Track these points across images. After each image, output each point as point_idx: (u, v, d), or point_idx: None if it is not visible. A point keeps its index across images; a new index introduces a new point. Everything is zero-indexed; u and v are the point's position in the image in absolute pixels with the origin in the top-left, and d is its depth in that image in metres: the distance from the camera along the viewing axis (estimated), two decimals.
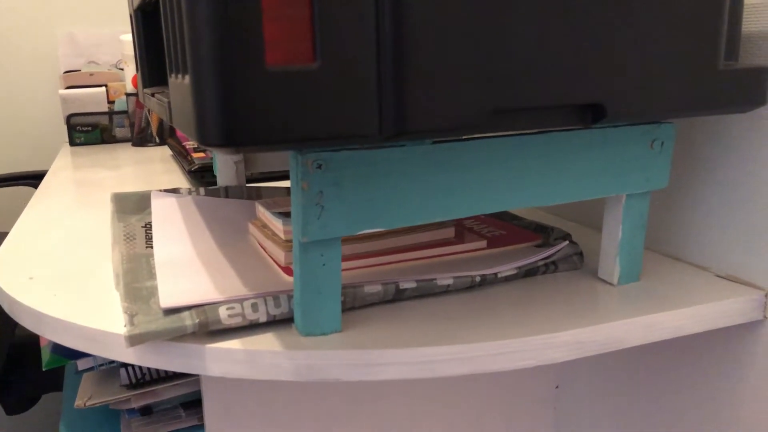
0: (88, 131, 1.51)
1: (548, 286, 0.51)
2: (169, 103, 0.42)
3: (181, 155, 1.11)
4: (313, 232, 0.40)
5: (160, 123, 1.49)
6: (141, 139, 1.48)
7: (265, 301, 0.44)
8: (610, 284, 0.52)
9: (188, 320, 0.42)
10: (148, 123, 1.48)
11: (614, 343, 0.45)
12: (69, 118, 1.49)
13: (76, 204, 0.81)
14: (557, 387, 0.77)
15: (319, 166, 0.39)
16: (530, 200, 0.45)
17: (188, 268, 0.52)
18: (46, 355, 0.66)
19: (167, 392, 0.66)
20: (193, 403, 0.69)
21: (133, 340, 0.40)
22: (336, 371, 0.41)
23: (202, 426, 0.68)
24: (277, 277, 0.49)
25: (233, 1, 0.30)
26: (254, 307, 0.43)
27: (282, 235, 0.52)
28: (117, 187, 0.92)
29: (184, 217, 0.62)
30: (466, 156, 0.42)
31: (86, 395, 0.61)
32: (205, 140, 0.31)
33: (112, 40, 1.57)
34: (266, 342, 0.42)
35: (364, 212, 0.41)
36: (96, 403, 0.60)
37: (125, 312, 0.44)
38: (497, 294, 0.50)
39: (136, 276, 0.51)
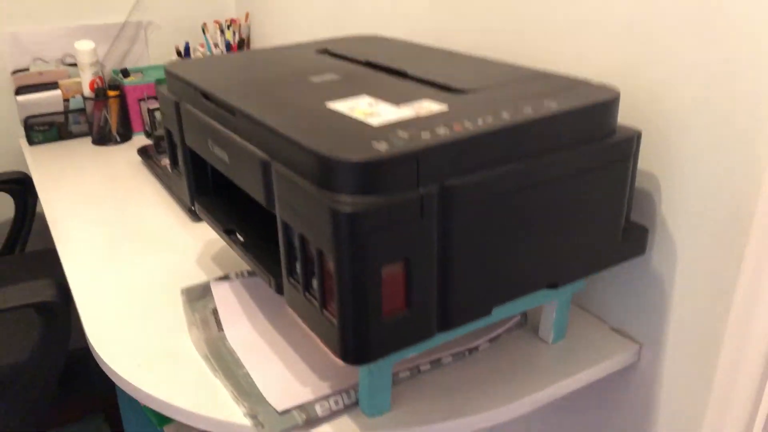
0: (45, 130, 1.58)
1: (507, 350, 0.78)
2: (279, 283, 0.63)
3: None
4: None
5: (119, 122, 1.58)
6: (101, 137, 1.58)
7: (341, 396, 0.68)
8: (547, 342, 0.79)
9: (298, 418, 0.65)
10: (107, 122, 1.57)
11: (551, 397, 0.73)
12: (27, 120, 1.55)
13: (105, 255, 0.98)
14: None
15: None
16: None
17: (265, 357, 0.74)
18: (153, 415, 0.86)
19: None
20: None
21: None
22: None
23: None
24: (338, 366, 0.73)
25: (370, 287, 0.52)
26: (336, 401, 0.67)
27: None
28: (119, 219, 1.08)
29: (240, 300, 0.83)
30: None
31: None
32: (344, 359, 0.54)
33: (56, 37, 1.60)
34: (347, 426, 0.67)
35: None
36: None
37: (247, 411, 0.67)
38: (477, 363, 0.76)
39: (226, 363, 0.73)
